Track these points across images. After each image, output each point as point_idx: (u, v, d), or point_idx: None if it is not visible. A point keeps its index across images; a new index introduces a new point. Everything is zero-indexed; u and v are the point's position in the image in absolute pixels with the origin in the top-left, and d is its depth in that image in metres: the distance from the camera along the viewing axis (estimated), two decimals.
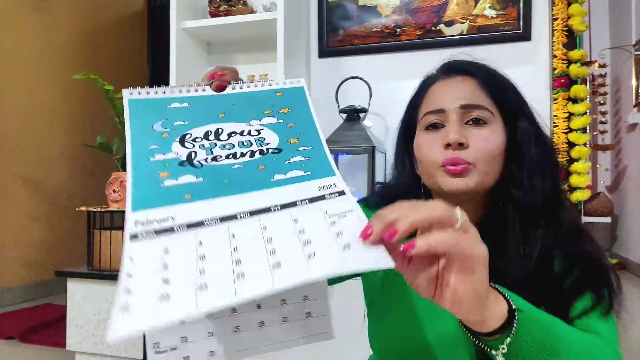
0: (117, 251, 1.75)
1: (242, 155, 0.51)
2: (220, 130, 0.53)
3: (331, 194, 0.49)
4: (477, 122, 0.64)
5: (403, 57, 2.27)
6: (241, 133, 0.53)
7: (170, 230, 0.43)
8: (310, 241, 0.43)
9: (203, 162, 0.50)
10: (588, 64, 2.17)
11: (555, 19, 2.05)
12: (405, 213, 0.41)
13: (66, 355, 1.85)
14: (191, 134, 0.52)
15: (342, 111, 2.05)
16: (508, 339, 0.45)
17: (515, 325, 0.45)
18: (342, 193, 0.49)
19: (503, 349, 0.45)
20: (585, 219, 2.21)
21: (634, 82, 2.83)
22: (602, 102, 2.89)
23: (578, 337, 0.52)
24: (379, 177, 1.94)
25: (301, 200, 0.48)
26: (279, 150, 0.52)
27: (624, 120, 3.03)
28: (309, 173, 0.50)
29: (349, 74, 2.16)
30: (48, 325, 2.42)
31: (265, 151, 0.52)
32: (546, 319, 0.49)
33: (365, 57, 2.32)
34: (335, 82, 2.16)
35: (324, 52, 2.36)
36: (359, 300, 0.77)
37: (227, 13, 2.22)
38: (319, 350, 1.42)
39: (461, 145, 0.63)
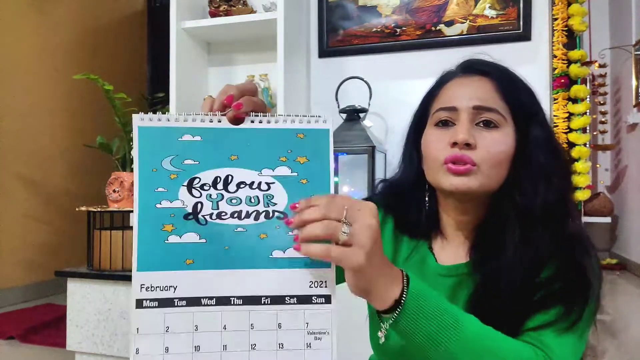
0: (117, 251, 1.75)
1: (247, 215, 0.51)
2: (229, 178, 0.52)
3: (318, 296, 0.51)
4: (488, 124, 0.64)
5: (403, 57, 2.27)
6: (250, 185, 0.52)
7: (171, 303, 0.49)
8: None
9: (208, 219, 0.50)
10: (588, 64, 2.17)
11: (555, 19, 2.05)
12: (310, 229, 0.49)
13: (66, 355, 1.85)
14: (200, 179, 0.51)
15: (342, 111, 2.05)
16: (391, 321, 0.53)
17: (401, 307, 0.52)
18: (328, 300, 0.51)
19: (390, 323, 0.53)
20: (585, 219, 2.21)
21: (634, 82, 2.84)
22: (602, 102, 2.89)
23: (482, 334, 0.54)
24: (379, 177, 1.94)
25: (290, 297, 0.50)
26: (284, 215, 0.51)
27: (624, 120, 3.03)
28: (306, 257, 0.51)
29: (348, 74, 2.16)
30: (48, 325, 2.42)
31: (271, 214, 0.51)
32: (441, 309, 0.53)
33: (365, 57, 2.32)
34: (335, 82, 2.15)
35: (324, 52, 2.36)
36: (360, 300, 0.77)
37: (227, 13, 2.21)
38: None
39: (468, 146, 0.63)
